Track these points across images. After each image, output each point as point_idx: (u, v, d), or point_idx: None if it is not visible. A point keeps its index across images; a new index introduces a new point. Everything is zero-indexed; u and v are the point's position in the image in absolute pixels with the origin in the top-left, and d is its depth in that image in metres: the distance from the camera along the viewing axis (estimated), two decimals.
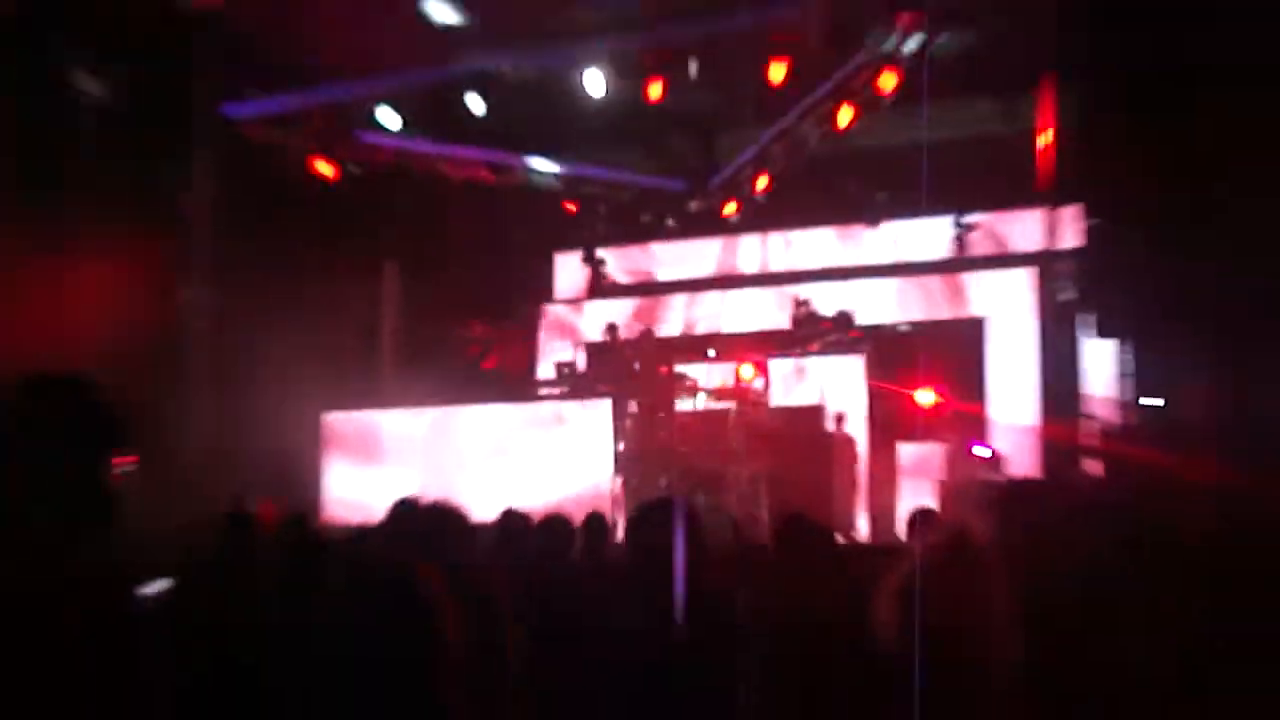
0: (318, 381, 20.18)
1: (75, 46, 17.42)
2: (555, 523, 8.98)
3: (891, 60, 17.92)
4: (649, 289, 24.40)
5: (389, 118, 20.17)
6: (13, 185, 16.45)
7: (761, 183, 20.89)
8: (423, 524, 6.50)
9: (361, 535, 7.63)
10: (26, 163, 16.74)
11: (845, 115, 19.15)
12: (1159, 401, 15.60)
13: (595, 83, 19.24)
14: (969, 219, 20.50)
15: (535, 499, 17.24)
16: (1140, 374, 15.95)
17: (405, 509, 6.71)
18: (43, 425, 3.27)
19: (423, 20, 18.38)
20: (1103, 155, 14.63)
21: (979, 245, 21.02)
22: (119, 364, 17.00)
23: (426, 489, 7.89)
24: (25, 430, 3.27)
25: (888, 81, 18.17)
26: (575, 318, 24.41)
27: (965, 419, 19.46)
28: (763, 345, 20.52)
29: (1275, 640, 4.63)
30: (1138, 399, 16.04)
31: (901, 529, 12.69)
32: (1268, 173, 13.60)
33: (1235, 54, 13.60)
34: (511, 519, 9.22)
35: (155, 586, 6.73)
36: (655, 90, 19.11)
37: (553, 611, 6.74)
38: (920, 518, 8.99)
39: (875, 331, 20.30)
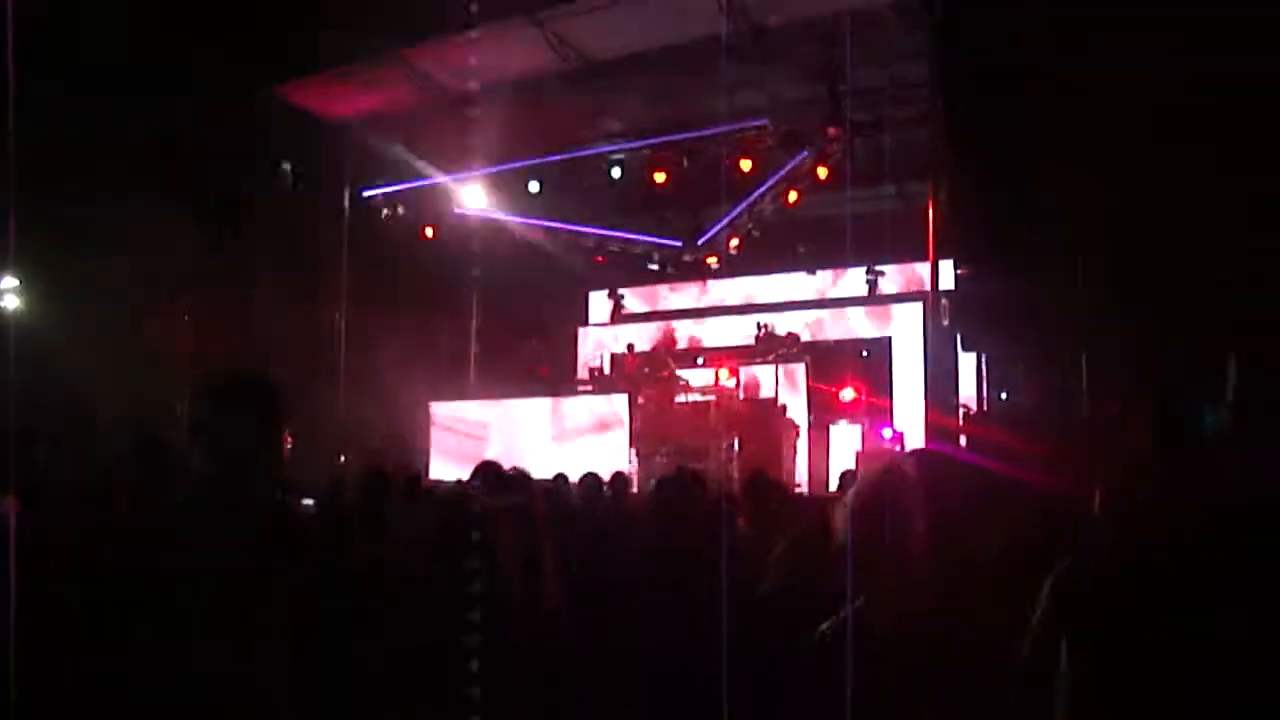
0: (425, 381, 20.89)
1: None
2: (589, 479, 9.51)
3: (824, 158, 18.42)
4: (655, 316, 24.82)
5: (474, 197, 20.70)
6: (225, 243, 17.10)
7: (734, 242, 21.11)
8: (498, 481, 6.63)
9: (458, 488, 7.36)
10: (233, 224, 17.45)
11: (792, 195, 19.60)
12: (1005, 395, 16.16)
13: (616, 172, 19.63)
14: (878, 268, 20.95)
15: (576, 465, 18.03)
16: (992, 377, 16.46)
17: (486, 470, 6.91)
18: (239, 411, 3.27)
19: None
20: (966, 224, 14.95)
21: (885, 286, 21.54)
22: (287, 368, 17.84)
23: (499, 456, 8.37)
24: (227, 415, 3.28)
25: (822, 172, 18.58)
26: (602, 336, 24.90)
27: (876, 409, 20.15)
28: (735, 356, 20.91)
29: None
30: (992, 394, 16.56)
31: (834, 484, 13.34)
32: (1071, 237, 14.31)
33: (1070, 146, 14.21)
34: (560, 480, 9.77)
35: (308, 503, 7.33)
36: (659, 177, 19.60)
37: (589, 541, 6.86)
38: (847, 474, 9.39)
39: (813, 346, 20.96)
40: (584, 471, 9.93)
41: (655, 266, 23.12)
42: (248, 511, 3.17)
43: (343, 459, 19.17)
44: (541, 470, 10.77)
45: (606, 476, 9.88)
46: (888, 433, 17.96)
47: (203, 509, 3.22)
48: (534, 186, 20.31)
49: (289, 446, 3.38)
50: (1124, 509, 4.58)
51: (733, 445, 18.51)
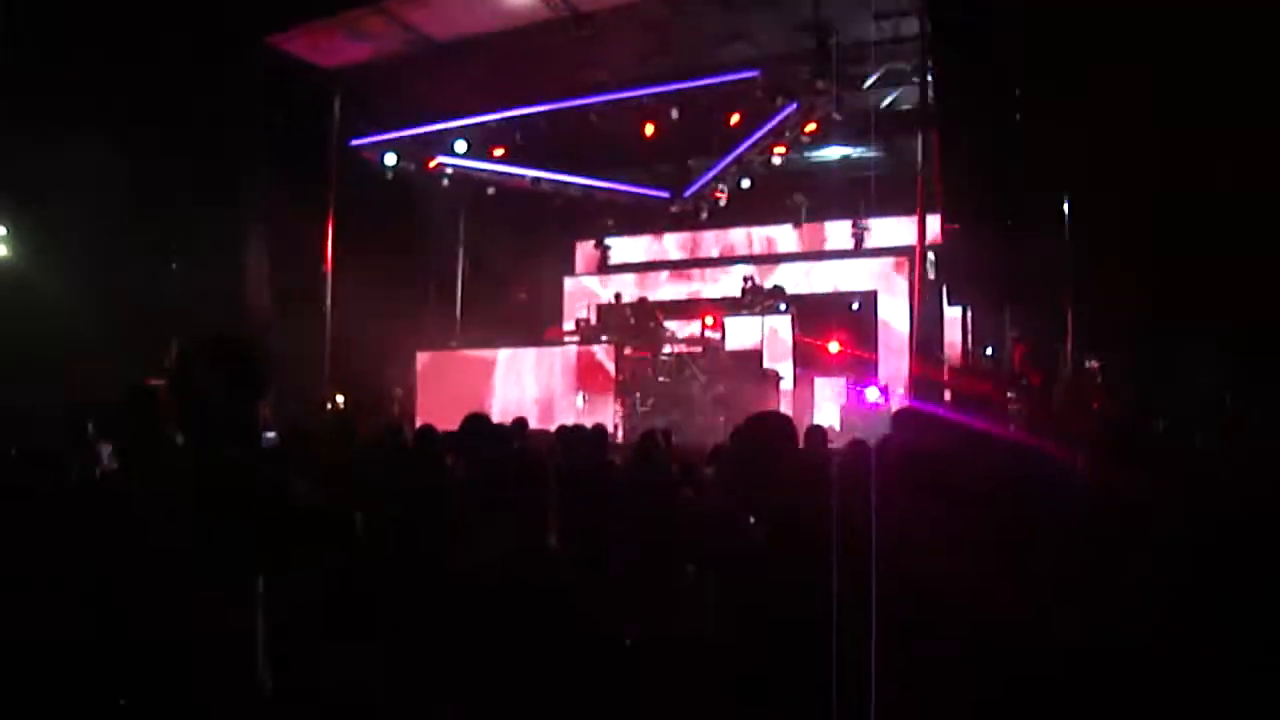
0: (412, 329, 20.98)
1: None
2: (575, 431, 9.16)
3: (812, 112, 18.38)
4: (642, 267, 24.98)
5: (460, 146, 20.65)
6: (211, 190, 17.07)
7: (722, 194, 21.07)
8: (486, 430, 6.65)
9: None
10: (220, 169, 17.42)
11: (779, 149, 19.44)
12: (989, 349, 16.30)
13: (606, 123, 19.52)
14: (864, 222, 21.01)
15: (559, 413, 18.15)
16: (977, 331, 16.60)
17: (473, 421, 6.77)
18: (216, 374, 3.23)
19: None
20: (952, 182, 15.03)
21: (871, 240, 21.60)
22: (281, 319, 17.90)
23: (485, 407, 8.42)
24: (203, 378, 3.24)
25: (809, 128, 18.55)
26: (589, 286, 24.96)
27: (861, 362, 20.30)
28: (721, 308, 20.96)
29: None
30: (976, 348, 16.69)
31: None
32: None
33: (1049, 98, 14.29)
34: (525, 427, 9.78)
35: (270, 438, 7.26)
36: (649, 129, 19.46)
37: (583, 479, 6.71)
38: (812, 430, 9.33)
39: (799, 299, 20.99)
40: (565, 424, 9.92)
41: (643, 217, 23.16)
42: (220, 476, 3.12)
43: (329, 406, 19.27)
44: (523, 416, 10.96)
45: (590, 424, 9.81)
46: (873, 392, 17.98)
47: (180, 473, 3.19)
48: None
49: (268, 402, 3.43)
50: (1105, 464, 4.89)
51: (717, 396, 18.59)
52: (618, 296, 21.91)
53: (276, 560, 3.13)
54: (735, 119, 19.10)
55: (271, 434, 7.69)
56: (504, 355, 20.57)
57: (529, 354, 20.46)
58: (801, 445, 8.29)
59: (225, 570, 3.01)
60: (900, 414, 5.42)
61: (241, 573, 3.06)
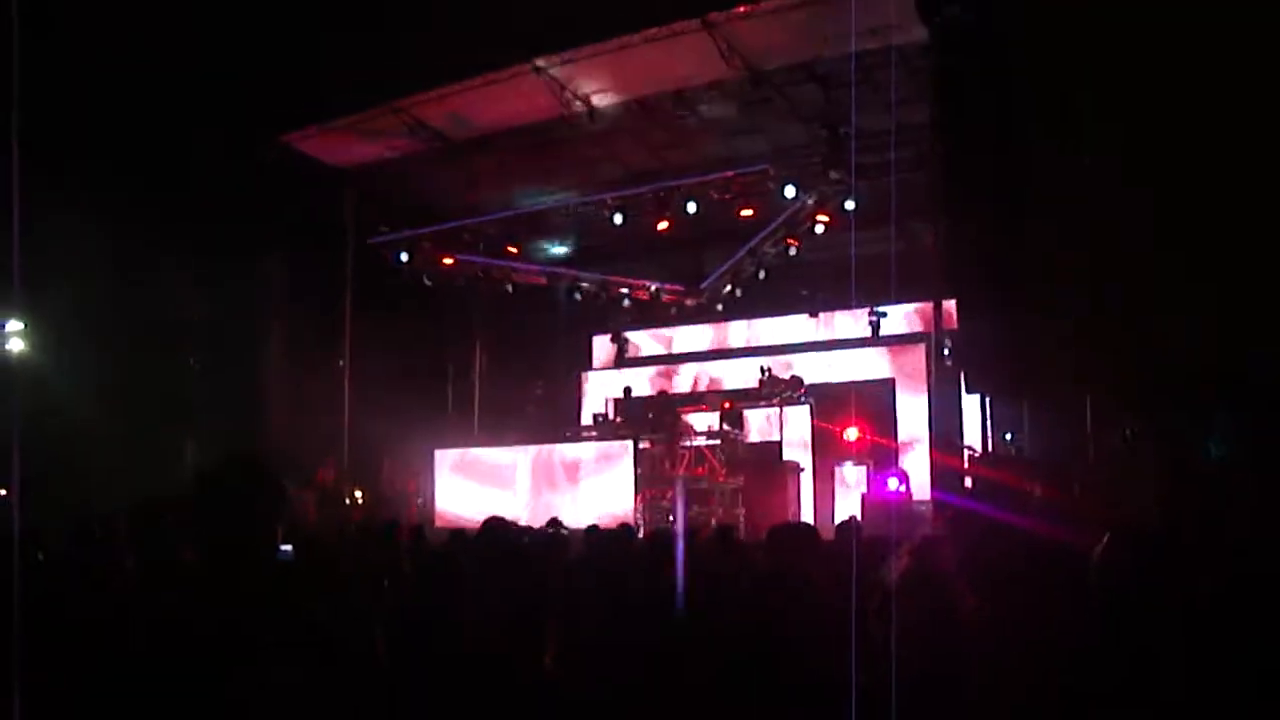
0: (429, 425, 20.97)
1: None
2: (596, 532, 9.27)
3: (825, 201, 18.47)
4: (659, 360, 24.79)
5: (476, 244, 20.72)
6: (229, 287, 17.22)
7: (737, 286, 21.15)
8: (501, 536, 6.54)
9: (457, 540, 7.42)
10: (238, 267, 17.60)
11: (793, 241, 19.60)
12: (1008, 435, 16.24)
13: (619, 218, 19.60)
14: (881, 309, 20.93)
15: (582, 510, 18.04)
16: (996, 417, 16.53)
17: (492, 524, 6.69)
18: (230, 500, 3.19)
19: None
20: (964, 267, 15.00)
21: (888, 328, 21.50)
22: (299, 414, 17.90)
23: (505, 503, 8.38)
24: (218, 503, 3.21)
25: (822, 220, 18.67)
26: (607, 381, 24.75)
27: (881, 450, 20.11)
28: (738, 399, 20.87)
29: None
30: (996, 434, 16.61)
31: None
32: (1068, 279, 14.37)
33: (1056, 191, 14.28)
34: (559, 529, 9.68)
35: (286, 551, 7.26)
36: (663, 224, 19.62)
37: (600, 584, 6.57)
38: (849, 522, 9.15)
39: (817, 389, 20.88)
40: (592, 521, 9.87)
41: (659, 310, 23.13)
42: (237, 595, 3.10)
43: (348, 502, 19.24)
44: (547, 515, 10.87)
45: (611, 519, 9.75)
46: (893, 482, 17.81)
47: (196, 587, 3.21)
48: (535, 232, 20.39)
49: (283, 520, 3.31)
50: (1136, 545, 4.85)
51: (737, 489, 18.50)
52: (627, 391, 21.87)
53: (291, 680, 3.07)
54: (749, 211, 19.20)
55: (288, 547, 7.66)
56: (521, 453, 20.50)
57: (546, 450, 20.36)
58: (834, 538, 8.21)
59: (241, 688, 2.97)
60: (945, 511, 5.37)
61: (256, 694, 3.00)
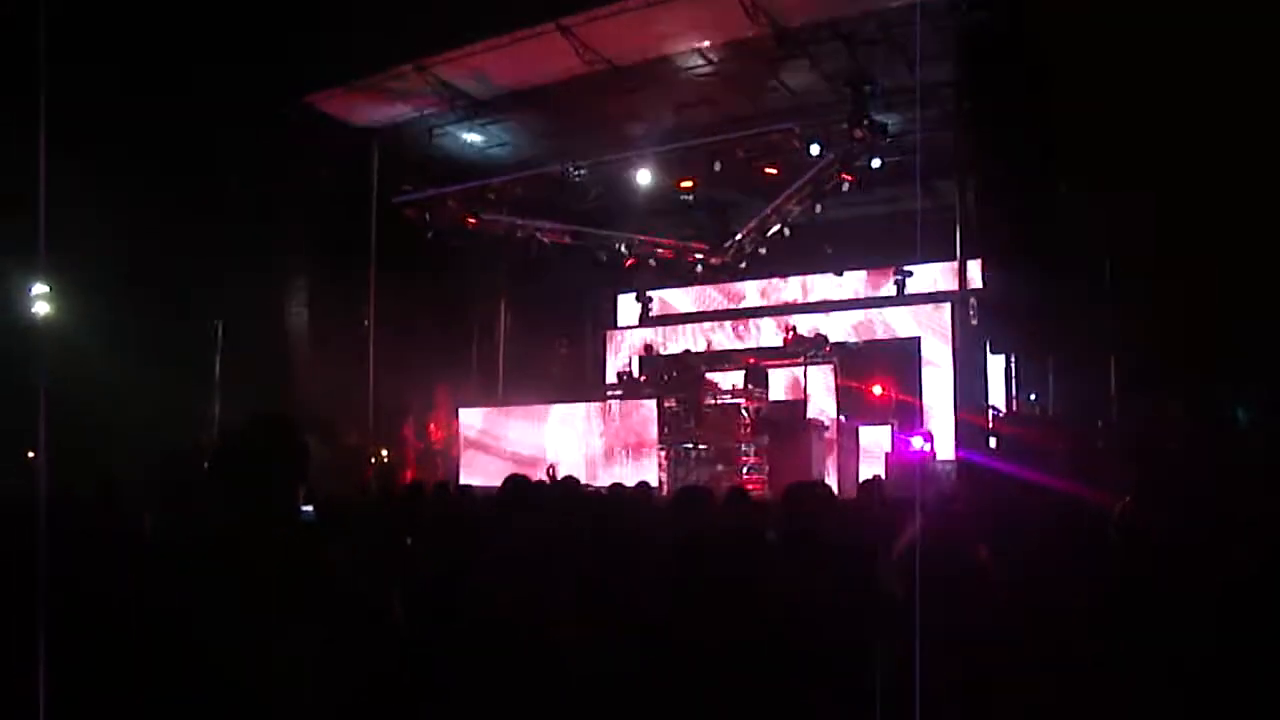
0: (455, 384, 21.04)
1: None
2: (619, 489, 8.92)
3: (850, 160, 18.38)
4: (683, 319, 24.95)
5: (500, 202, 20.72)
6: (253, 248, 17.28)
7: (761, 244, 21.11)
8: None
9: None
10: (262, 228, 17.67)
11: (817, 200, 19.44)
12: (1033, 395, 16.18)
13: (645, 177, 19.60)
14: (906, 269, 20.87)
15: (604, 470, 18.15)
16: (1021, 377, 16.48)
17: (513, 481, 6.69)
18: (257, 459, 3.23)
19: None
20: (992, 225, 14.97)
21: (913, 287, 21.44)
22: (323, 374, 17.98)
23: (527, 463, 8.42)
24: (241, 461, 3.25)
25: (846, 179, 18.50)
26: (631, 339, 25.00)
27: (905, 408, 20.11)
28: (763, 358, 21.00)
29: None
30: (1021, 394, 16.57)
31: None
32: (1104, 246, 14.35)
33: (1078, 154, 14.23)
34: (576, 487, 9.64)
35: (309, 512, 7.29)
36: (687, 182, 19.62)
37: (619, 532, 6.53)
38: (872, 481, 9.16)
39: (841, 348, 20.94)
40: (611, 481, 9.84)
41: (683, 269, 23.09)
42: (256, 554, 3.13)
43: (373, 462, 19.38)
44: (568, 472, 10.91)
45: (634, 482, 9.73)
46: (917, 441, 17.82)
47: (219, 548, 3.21)
48: (561, 191, 20.33)
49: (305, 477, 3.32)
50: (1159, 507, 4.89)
51: (761, 449, 18.57)
52: (649, 348, 21.88)
53: (310, 639, 3.10)
54: (773, 169, 19.13)
55: (309, 508, 7.71)
56: (546, 411, 20.59)
57: (571, 409, 20.44)
58: (856, 497, 8.17)
59: (259, 648, 3.00)
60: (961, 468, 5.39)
61: (276, 650, 3.04)
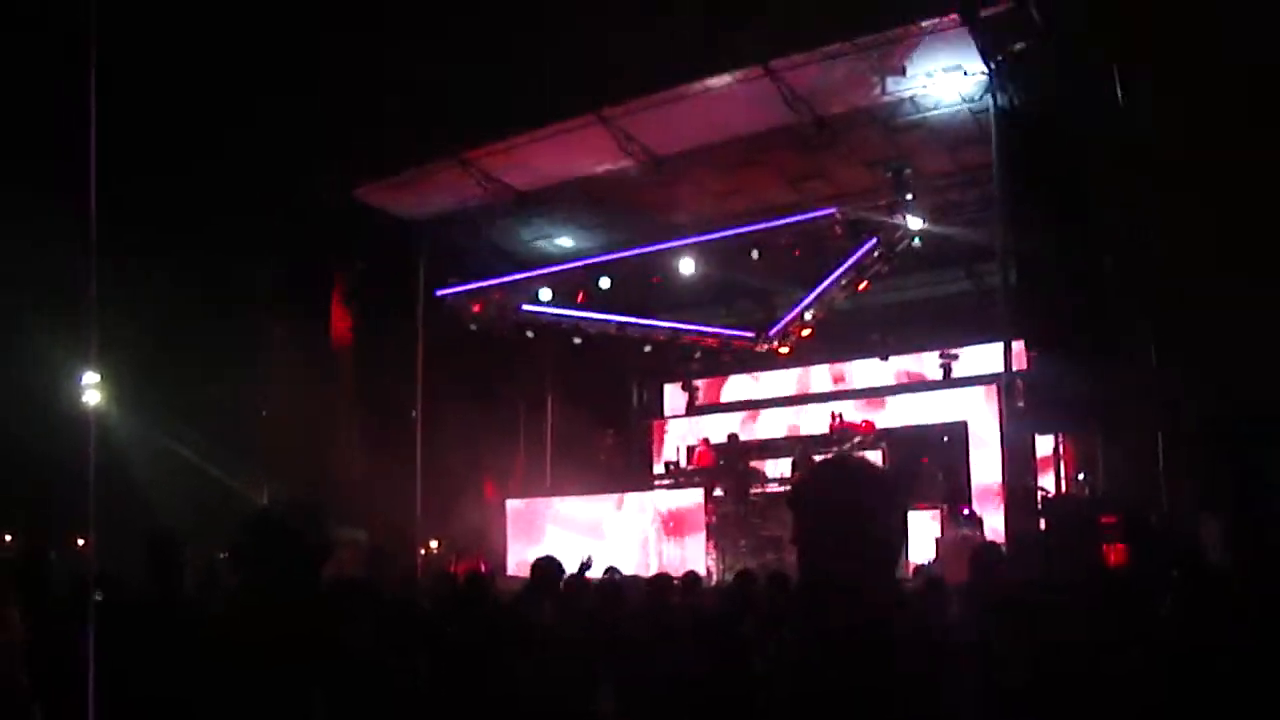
0: (501, 477, 21.07)
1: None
2: (661, 579, 8.97)
3: (892, 244, 18.48)
4: (729, 408, 24.85)
5: (545, 295, 20.94)
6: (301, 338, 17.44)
7: (805, 331, 21.02)
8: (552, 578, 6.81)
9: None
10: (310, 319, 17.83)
11: (860, 285, 19.56)
12: (1081, 475, 16.04)
13: (687, 266, 19.68)
14: (952, 351, 20.81)
15: (652, 559, 18.06)
16: (1069, 458, 16.36)
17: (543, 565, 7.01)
18: (271, 545, 3.32)
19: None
20: (1034, 308, 14.98)
21: (958, 370, 21.36)
22: (375, 466, 18.01)
23: (576, 553, 8.33)
24: (259, 547, 3.33)
25: (889, 263, 18.63)
26: (677, 429, 24.92)
27: (955, 490, 19.92)
28: (809, 445, 20.78)
29: None
30: (1069, 474, 16.44)
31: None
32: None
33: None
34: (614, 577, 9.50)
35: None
36: (730, 269, 19.69)
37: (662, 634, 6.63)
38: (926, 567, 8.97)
39: (888, 433, 20.79)
40: (659, 570, 9.82)
41: (728, 358, 23.12)
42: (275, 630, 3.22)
43: (423, 553, 19.40)
44: (619, 564, 10.88)
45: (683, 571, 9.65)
46: (966, 524, 17.65)
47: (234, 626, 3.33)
48: (604, 283, 20.39)
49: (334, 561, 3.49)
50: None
51: None
52: (705, 440, 21.83)
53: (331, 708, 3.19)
54: (816, 256, 19.24)
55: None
56: (594, 502, 20.56)
57: (620, 499, 20.41)
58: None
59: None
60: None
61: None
